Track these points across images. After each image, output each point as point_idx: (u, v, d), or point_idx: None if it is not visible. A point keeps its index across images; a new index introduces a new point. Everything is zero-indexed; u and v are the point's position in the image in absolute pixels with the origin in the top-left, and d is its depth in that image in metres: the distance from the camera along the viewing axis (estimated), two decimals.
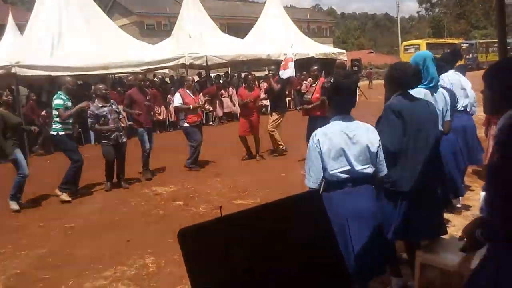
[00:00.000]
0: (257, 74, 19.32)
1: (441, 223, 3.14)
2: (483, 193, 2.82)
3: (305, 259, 1.57)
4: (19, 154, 6.02)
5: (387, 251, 2.74)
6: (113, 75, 15.35)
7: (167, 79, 17.94)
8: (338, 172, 2.59)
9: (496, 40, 3.44)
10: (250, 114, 8.21)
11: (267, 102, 15.01)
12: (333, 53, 19.16)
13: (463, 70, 5.13)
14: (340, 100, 2.69)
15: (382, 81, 3.23)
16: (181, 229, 1.37)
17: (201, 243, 1.41)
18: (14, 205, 6.02)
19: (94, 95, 6.85)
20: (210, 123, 14.66)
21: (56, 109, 6.25)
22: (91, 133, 11.36)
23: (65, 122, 6.32)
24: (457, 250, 2.78)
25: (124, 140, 6.84)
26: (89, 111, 6.53)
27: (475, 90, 4.50)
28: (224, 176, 7.26)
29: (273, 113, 8.39)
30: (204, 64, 14.30)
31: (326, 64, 14.84)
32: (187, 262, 1.36)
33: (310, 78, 7.44)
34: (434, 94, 3.54)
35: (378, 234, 2.62)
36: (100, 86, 6.83)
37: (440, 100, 3.60)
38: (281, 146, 8.43)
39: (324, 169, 2.60)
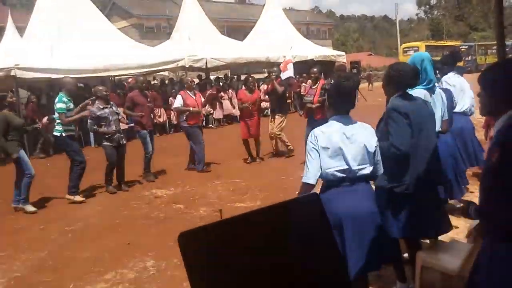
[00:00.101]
0: (257, 76, 19.35)
1: (446, 219, 3.17)
2: None
3: (306, 262, 1.57)
4: (22, 153, 6.07)
5: (388, 250, 2.72)
6: (112, 78, 15.36)
7: (167, 82, 17.95)
8: (335, 170, 2.61)
9: (495, 42, 3.45)
10: (250, 117, 8.22)
11: (267, 104, 15.08)
12: (332, 55, 19.19)
13: (461, 72, 5.14)
14: (339, 102, 2.71)
15: (381, 83, 3.24)
16: (181, 233, 1.37)
17: (201, 246, 1.41)
18: (30, 208, 6.08)
19: (94, 97, 6.84)
20: (210, 125, 14.67)
21: (58, 113, 6.27)
22: (91, 135, 11.37)
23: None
24: (458, 253, 2.80)
25: (124, 142, 6.88)
26: (90, 111, 6.55)
27: (473, 92, 4.51)
28: (224, 179, 7.26)
29: (277, 116, 8.38)
30: (204, 67, 14.32)
31: (325, 66, 14.88)
32: (187, 265, 1.36)
33: (309, 80, 7.45)
34: (433, 95, 3.56)
35: (375, 234, 2.62)
36: (100, 88, 6.85)
37: (438, 101, 3.63)
38: (289, 147, 8.43)
39: (322, 167, 2.62)
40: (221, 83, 16.23)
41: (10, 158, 6.13)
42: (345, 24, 79.48)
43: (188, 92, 7.82)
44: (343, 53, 20.68)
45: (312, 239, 1.64)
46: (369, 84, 26.49)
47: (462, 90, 4.73)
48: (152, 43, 17.67)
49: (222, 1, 46.27)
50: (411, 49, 31.90)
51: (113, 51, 12.10)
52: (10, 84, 10.74)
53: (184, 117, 7.74)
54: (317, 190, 2.77)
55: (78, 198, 6.44)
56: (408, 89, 3.03)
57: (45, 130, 9.99)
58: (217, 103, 14.36)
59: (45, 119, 6.91)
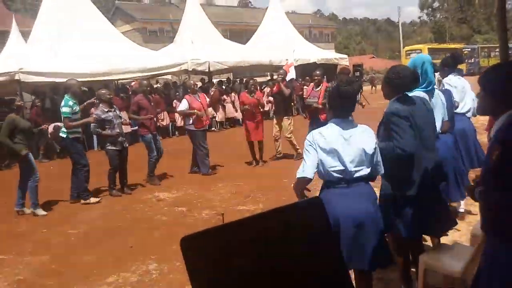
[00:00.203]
0: (259, 79, 19.40)
1: (450, 217, 3.24)
2: None
3: (307, 266, 1.57)
4: (30, 155, 6.13)
5: (382, 254, 2.71)
6: (116, 81, 15.42)
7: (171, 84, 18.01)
8: (332, 171, 2.65)
9: (498, 45, 3.45)
10: (253, 119, 8.24)
11: (269, 107, 15.11)
12: (335, 58, 19.23)
13: (461, 74, 5.14)
14: (339, 105, 2.74)
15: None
16: (183, 237, 1.38)
17: (203, 250, 1.41)
18: (40, 211, 6.13)
19: (97, 100, 6.88)
20: (213, 128, 14.68)
21: (63, 117, 6.31)
22: (95, 138, 11.40)
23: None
24: (461, 256, 2.80)
25: (127, 145, 6.91)
26: (94, 116, 6.58)
27: (475, 93, 4.50)
28: (226, 182, 7.26)
29: (284, 118, 8.38)
30: (207, 70, 14.36)
31: (328, 69, 14.89)
32: (189, 269, 1.36)
33: (312, 83, 7.47)
34: (431, 97, 3.57)
35: (371, 235, 2.64)
36: (104, 91, 6.88)
37: (437, 103, 3.64)
38: (298, 150, 8.43)
39: (322, 166, 2.66)
40: (223, 86, 16.27)
41: (16, 160, 6.13)
42: (348, 27, 79.49)
43: (194, 96, 7.85)
44: (345, 56, 20.73)
45: (314, 242, 1.64)
46: (372, 87, 26.46)
47: (464, 91, 4.73)
48: (155, 47, 17.72)
49: (224, 5, 46.44)
50: (413, 52, 31.75)
51: (117, 55, 12.15)
52: (14, 88, 10.79)
53: (191, 121, 7.77)
54: (316, 192, 2.79)
55: (93, 199, 6.55)
56: (407, 92, 3.04)
57: (51, 137, 10.07)
58: (219, 106, 14.42)
59: (51, 128, 7.00)
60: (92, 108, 7.48)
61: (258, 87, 11.18)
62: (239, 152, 8.97)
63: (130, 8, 39.02)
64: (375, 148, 2.70)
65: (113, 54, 12.12)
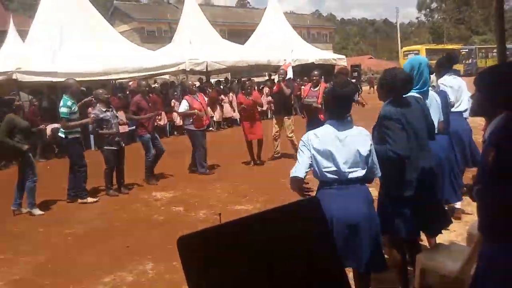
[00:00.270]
0: (257, 79, 19.39)
1: (446, 216, 3.28)
2: None
3: (305, 266, 1.57)
4: (30, 154, 6.13)
5: (375, 256, 2.72)
6: (113, 81, 15.40)
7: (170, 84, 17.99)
8: (326, 171, 2.67)
9: (496, 46, 3.45)
10: (251, 119, 8.26)
11: (266, 107, 15.10)
12: (333, 59, 19.24)
13: (457, 75, 5.15)
14: (335, 107, 2.76)
15: None
16: (180, 237, 1.37)
17: (200, 250, 1.41)
18: (37, 211, 6.10)
19: (95, 100, 6.87)
20: (210, 128, 14.66)
21: (61, 118, 6.30)
22: (91, 138, 11.38)
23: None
24: (457, 256, 2.80)
25: (123, 145, 6.92)
26: (93, 115, 6.57)
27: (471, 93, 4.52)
28: (224, 182, 7.26)
29: (285, 118, 8.38)
30: (205, 70, 14.35)
31: (326, 69, 14.91)
32: (186, 269, 1.36)
33: (309, 83, 7.47)
34: (426, 99, 3.58)
35: (364, 236, 2.64)
36: (101, 91, 6.86)
37: (432, 104, 3.66)
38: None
39: (317, 166, 2.69)
40: (221, 86, 16.26)
41: (17, 158, 6.08)
42: (346, 27, 79.59)
43: (193, 96, 7.86)
44: (343, 56, 20.74)
45: (312, 242, 1.64)
46: (370, 87, 26.51)
47: (460, 90, 4.74)
48: (153, 47, 17.71)
49: (223, 5, 46.45)
50: (411, 52, 31.88)
51: (115, 55, 12.13)
52: (11, 87, 10.76)
53: (191, 121, 7.77)
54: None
55: (90, 199, 6.54)
56: (401, 94, 3.06)
57: (49, 139, 10.06)
58: (217, 106, 14.42)
59: (49, 130, 6.99)
60: (90, 108, 7.47)
61: (256, 87, 11.18)
62: (236, 152, 8.96)
63: (128, 8, 38.99)
64: (370, 150, 2.70)
65: (111, 54, 12.10)
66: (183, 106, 7.81)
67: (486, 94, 1.89)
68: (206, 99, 8.35)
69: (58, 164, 9.31)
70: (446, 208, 3.81)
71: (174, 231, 4.46)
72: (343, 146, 2.65)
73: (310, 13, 68.56)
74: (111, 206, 6.37)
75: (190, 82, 8.98)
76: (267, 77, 17.50)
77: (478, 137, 5.15)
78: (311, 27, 47.90)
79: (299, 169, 2.70)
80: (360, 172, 2.68)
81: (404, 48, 35.40)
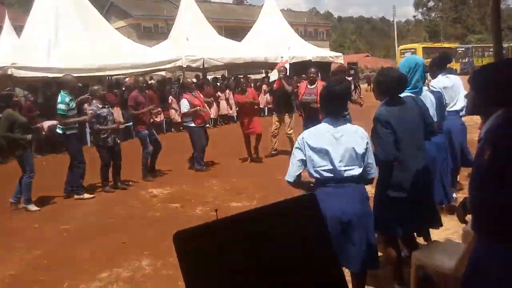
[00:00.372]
0: (254, 76, 19.34)
1: (437, 216, 3.34)
2: None
3: (301, 262, 1.57)
4: (30, 149, 6.15)
5: (369, 255, 2.73)
6: (109, 77, 15.33)
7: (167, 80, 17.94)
8: (321, 170, 2.68)
9: (492, 45, 3.47)
10: (248, 115, 8.29)
11: (264, 104, 15.09)
12: (330, 57, 19.22)
13: (451, 73, 5.16)
14: (330, 105, 2.77)
15: None
16: (176, 232, 1.37)
17: (196, 246, 1.41)
18: (33, 207, 6.09)
19: (91, 96, 6.84)
20: (207, 125, 14.63)
21: (59, 114, 6.27)
22: (88, 134, 11.33)
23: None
24: (453, 253, 2.82)
25: (119, 141, 6.92)
26: (90, 112, 6.55)
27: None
28: (221, 178, 7.26)
29: (286, 116, 8.37)
30: (201, 67, 14.31)
31: (322, 67, 14.90)
32: (182, 264, 1.36)
33: (305, 80, 7.47)
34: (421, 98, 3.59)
35: (358, 235, 2.66)
36: (97, 88, 6.83)
37: (426, 103, 3.65)
38: None
39: (310, 165, 2.71)
40: (218, 83, 16.23)
41: (19, 149, 6.03)
42: (343, 25, 79.61)
43: (192, 94, 7.85)
44: (340, 54, 20.72)
45: (308, 239, 1.64)
46: (368, 85, 26.56)
47: (454, 89, 4.74)
48: (150, 43, 17.64)
49: (219, 2, 46.31)
50: (408, 51, 31.94)
51: (111, 51, 12.08)
52: (7, 83, 10.69)
53: (191, 117, 7.77)
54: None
55: (87, 195, 6.53)
56: (396, 94, 3.07)
57: (46, 133, 10.00)
58: (213, 103, 14.38)
59: (46, 127, 6.96)
60: (86, 104, 7.44)
61: (252, 84, 11.14)
62: (233, 149, 8.96)
63: (125, 4, 38.71)
64: (366, 149, 2.70)
65: (108, 50, 12.04)
66: (184, 106, 7.78)
67: (480, 92, 1.89)
68: (202, 96, 8.34)
69: (54, 160, 9.27)
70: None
71: (171, 228, 4.45)
72: (338, 144, 2.66)
73: (307, 10, 68.58)
74: (108, 202, 6.36)
75: (189, 80, 8.97)
76: (264, 74, 17.46)
77: (474, 136, 5.18)
78: (308, 25, 47.80)
79: (289, 172, 2.78)
80: (356, 171, 2.67)
81: (401, 46, 35.44)
